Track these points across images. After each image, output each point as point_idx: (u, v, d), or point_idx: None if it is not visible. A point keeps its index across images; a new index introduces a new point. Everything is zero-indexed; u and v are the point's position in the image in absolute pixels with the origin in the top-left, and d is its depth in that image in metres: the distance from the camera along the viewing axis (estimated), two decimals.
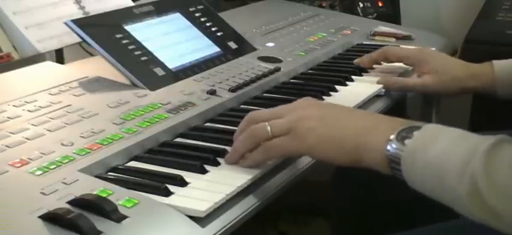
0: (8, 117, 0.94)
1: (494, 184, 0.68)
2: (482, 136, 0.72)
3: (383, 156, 0.77)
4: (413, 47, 1.35)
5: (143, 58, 1.15)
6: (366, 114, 0.87)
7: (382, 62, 1.32)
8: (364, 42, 1.54)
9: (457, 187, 0.70)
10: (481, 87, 1.19)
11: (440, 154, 0.72)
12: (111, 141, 0.89)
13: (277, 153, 0.86)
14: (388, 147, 0.77)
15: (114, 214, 0.70)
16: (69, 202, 0.72)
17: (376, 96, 1.21)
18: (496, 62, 1.18)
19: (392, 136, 0.77)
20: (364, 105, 1.16)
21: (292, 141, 0.83)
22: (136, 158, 0.89)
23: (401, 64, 1.31)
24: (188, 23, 1.32)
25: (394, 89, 1.24)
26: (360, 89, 1.22)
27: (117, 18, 1.20)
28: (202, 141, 0.95)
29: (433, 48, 1.41)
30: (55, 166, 0.81)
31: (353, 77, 1.27)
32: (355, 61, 1.32)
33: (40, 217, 0.69)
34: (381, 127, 0.79)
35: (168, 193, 0.78)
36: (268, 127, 0.84)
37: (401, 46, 1.40)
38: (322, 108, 0.87)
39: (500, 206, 0.68)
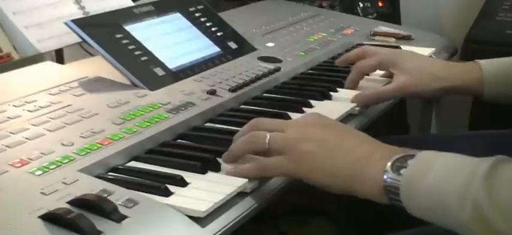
0: (8, 117, 0.94)
1: (498, 205, 0.67)
2: (478, 159, 0.72)
3: (380, 186, 0.76)
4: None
5: (143, 58, 1.15)
6: (363, 140, 0.83)
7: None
8: (364, 42, 1.54)
9: (460, 213, 0.69)
10: (466, 87, 1.12)
11: (438, 182, 0.72)
12: (111, 141, 0.89)
13: (272, 173, 0.85)
14: (385, 177, 0.76)
15: (114, 214, 0.70)
16: (69, 202, 0.72)
17: None
18: (481, 61, 1.13)
19: (388, 166, 0.76)
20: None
21: (289, 164, 0.82)
22: (136, 158, 0.89)
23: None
24: (188, 23, 1.32)
25: (370, 103, 1.14)
26: (360, 89, 1.22)
27: (117, 18, 1.20)
28: (202, 141, 0.95)
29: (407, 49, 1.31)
30: (55, 166, 0.81)
31: None
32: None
33: (40, 217, 0.69)
34: (376, 157, 0.78)
35: (168, 193, 0.78)
36: (267, 138, 0.84)
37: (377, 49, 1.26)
38: (325, 131, 0.84)
39: (506, 227, 0.67)
